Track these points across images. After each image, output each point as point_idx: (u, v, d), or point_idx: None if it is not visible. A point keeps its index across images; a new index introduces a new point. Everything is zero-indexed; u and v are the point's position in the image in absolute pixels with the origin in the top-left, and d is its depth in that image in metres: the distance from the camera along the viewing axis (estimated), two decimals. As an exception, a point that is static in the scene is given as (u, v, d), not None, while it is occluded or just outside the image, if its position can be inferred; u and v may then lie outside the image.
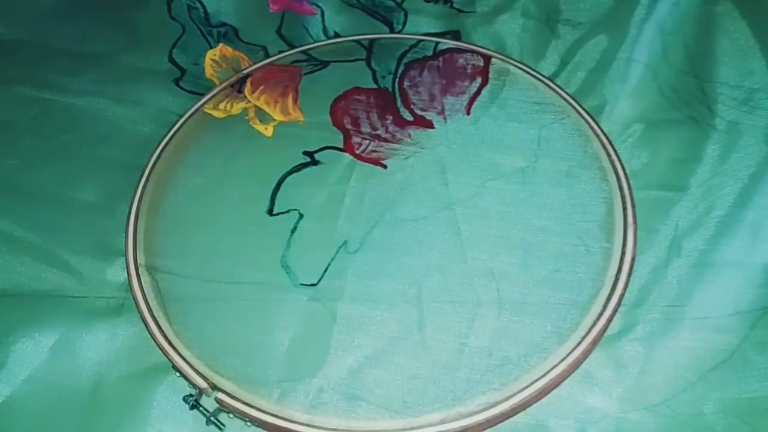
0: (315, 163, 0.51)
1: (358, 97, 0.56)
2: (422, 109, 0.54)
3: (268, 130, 0.54)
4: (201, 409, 0.41)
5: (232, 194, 0.50)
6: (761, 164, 0.49)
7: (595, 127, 0.52)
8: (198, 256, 0.47)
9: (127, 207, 0.49)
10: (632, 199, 0.48)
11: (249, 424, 0.41)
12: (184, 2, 0.64)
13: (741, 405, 0.40)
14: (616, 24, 0.58)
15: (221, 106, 0.56)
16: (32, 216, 0.50)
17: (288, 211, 0.49)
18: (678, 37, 0.57)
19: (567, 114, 0.53)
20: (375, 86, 0.56)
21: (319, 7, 0.63)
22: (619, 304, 0.43)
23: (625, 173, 0.49)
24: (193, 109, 0.55)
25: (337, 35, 0.62)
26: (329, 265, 0.46)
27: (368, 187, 0.50)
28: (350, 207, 0.49)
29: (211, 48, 0.61)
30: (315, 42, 0.61)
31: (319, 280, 0.45)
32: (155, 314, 0.44)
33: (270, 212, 0.49)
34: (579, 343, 0.42)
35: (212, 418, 0.40)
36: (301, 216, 0.48)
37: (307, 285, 0.45)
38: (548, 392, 0.41)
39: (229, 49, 0.61)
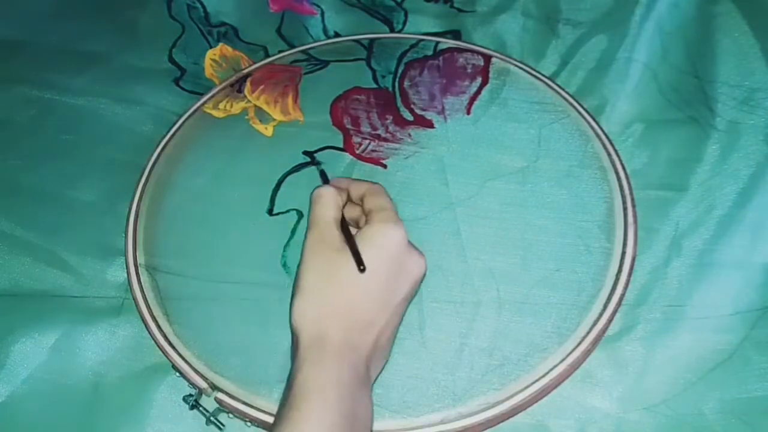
0: (315, 163, 0.51)
1: (358, 96, 0.56)
2: (422, 109, 0.54)
3: (268, 130, 0.54)
4: (201, 409, 0.41)
5: (232, 194, 0.50)
6: (761, 164, 0.49)
7: (596, 126, 0.52)
8: (198, 255, 0.47)
9: (127, 207, 0.49)
10: (632, 199, 0.48)
11: (249, 424, 0.41)
12: (184, 2, 0.64)
13: (741, 405, 0.40)
14: (616, 24, 0.58)
15: (221, 105, 0.56)
16: (32, 216, 0.50)
17: (288, 211, 0.49)
18: (678, 37, 0.57)
19: (567, 114, 0.53)
20: (375, 86, 0.56)
21: (319, 6, 0.63)
22: (619, 304, 0.43)
23: (625, 173, 0.49)
24: (192, 109, 0.55)
25: (337, 35, 0.62)
26: (329, 265, 0.46)
27: (368, 187, 0.49)
28: (350, 207, 0.49)
29: (211, 48, 0.61)
30: (315, 42, 0.61)
31: (319, 280, 0.45)
32: (155, 314, 0.44)
33: (270, 212, 0.49)
34: (579, 343, 0.42)
35: (212, 418, 0.40)
36: (301, 216, 0.48)
37: (307, 285, 0.45)
38: (548, 392, 0.41)
39: (229, 48, 0.61)
